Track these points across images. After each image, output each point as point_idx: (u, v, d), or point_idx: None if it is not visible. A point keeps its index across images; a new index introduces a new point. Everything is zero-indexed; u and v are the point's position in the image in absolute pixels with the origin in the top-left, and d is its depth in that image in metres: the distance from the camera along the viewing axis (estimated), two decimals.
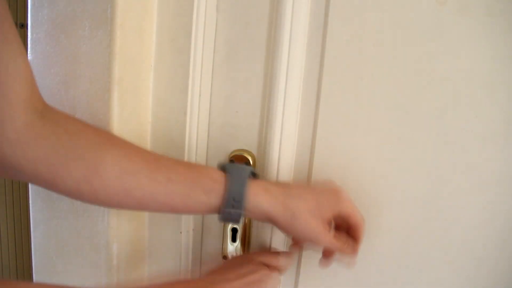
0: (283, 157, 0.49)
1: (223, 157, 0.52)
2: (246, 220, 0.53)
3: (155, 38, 0.51)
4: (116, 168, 0.38)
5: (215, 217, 0.55)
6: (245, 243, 0.53)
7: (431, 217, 0.47)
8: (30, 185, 0.52)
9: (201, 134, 0.52)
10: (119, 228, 0.51)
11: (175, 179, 0.39)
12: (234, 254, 0.54)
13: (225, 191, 0.40)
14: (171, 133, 0.53)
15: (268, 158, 0.49)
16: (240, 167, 0.42)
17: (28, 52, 0.48)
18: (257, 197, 0.40)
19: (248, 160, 0.50)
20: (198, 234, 0.55)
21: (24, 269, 1.58)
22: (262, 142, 0.50)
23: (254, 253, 0.48)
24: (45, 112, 0.37)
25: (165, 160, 0.41)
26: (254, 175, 0.44)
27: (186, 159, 0.53)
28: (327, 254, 0.46)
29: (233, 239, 0.53)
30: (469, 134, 0.44)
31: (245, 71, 0.50)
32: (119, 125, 0.47)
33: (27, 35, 0.48)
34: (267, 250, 0.52)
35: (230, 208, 0.40)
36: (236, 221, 0.41)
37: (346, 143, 0.48)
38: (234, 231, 0.53)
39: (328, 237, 0.42)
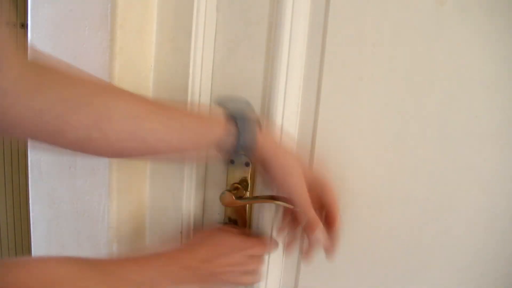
0: None
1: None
2: (247, 219, 0.53)
3: (155, 38, 0.51)
4: (128, 112, 0.37)
5: (215, 218, 0.55)
6: None
7: (431, 217, 0.47)
8: (30, 185, 0.52)
9: None
10: (119, 228, 0.51)
11: (187, 126, 0.40)
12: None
13: (235, 138, 0.41)
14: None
15: None
16: (248, 115, 0.43)
17: (28, 52, 0.48)
18: (264, 146, 0.43)
19: (248, 160, 0.50)
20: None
21: None
22: None
23: (229, 233, 0.49)
24: (43, 67, 0.35)
25: (174, 108, 0.41)
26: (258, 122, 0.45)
27: (186, 158, 0.53)
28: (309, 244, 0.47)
29: None
30: (469, 134, 0.44)
31: (245, 71, 0.50)
32: None
33: (27, 35, 0.48)
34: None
35: (239, 155, 0.43)
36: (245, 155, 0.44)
37: (346, 143, 0.48)
38: None
39: (307, 204, 0.43)
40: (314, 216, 0.44)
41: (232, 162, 0.50)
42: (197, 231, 0.49)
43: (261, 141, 0.43)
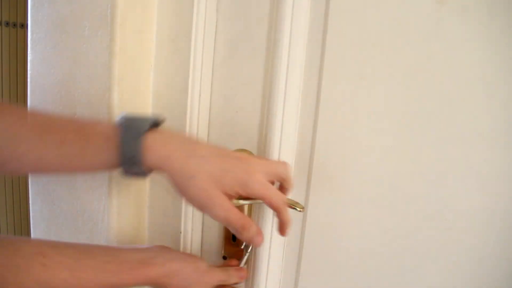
0: (283, 157, 0.49)
1: None
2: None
3: (155, 38, 0.51)
4: (6, 135, 0.36)
5: None
6: (245, 243, 0.53)
7: (431, 217, 0.47)
8: (30, 185, 0.52)
9: (201, 134, 0.52)
10: (119, 228, 0.51)
11: (67, 140, 0.37)
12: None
13: (118, 149, 0.36)
14: None
15: (268, 158, 0.49)
16: (137, 120, 0.38)
17: (28, 52, 0.48)
18: (156, 153, 0.36)
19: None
20: (198, 234, 0.55)
21: None
22: (262, 142, 0.50)
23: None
24: None
25: (59, 122, 0.38)
26: (156, 125, 0.40)
27: None
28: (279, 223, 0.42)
29: (233, 239, 0.53)
30: (469, 134, 0.44)
31: (245, 71, 0.50)
32: None
33: (27, 35, 0.48)
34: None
35: (128, 167, 0.37)
36: (142, 177, 0.39)
37: (346, 143, 0.48)
38: None
39: (224, 211, 0.37)
40: (231, 219, 0.38)
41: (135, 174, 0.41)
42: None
43: (152, 145, 0.36)
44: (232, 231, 0.40)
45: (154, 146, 0.37)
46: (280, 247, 0.53)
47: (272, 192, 0.39)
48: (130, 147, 0.36)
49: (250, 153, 0.51)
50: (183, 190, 0.37)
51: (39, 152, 0.37)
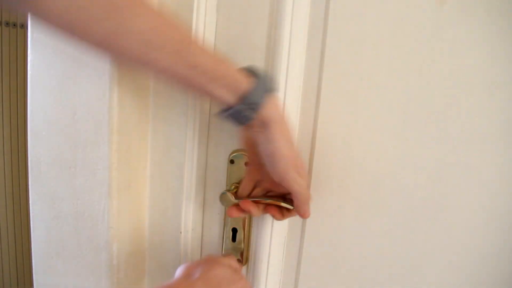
0: None
1: (223, 157, 0.52)
2: (246, 220, 0.53)
3: None
4: (140, 38, 0.37)
5: (215, 217, 0.55)
6: (245, 243, 0.53)
7: (431, 217, 0.47)
8: (30, 185, 0.52)
9: (201, 134, 0.52)
10: (119, 228, 0.51)
11: (200, 67, 0.39)
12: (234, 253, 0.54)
13: (247, 92, 0.40)
14: (171, 132, 0.53)
15: None
16: (267, 77, 0.43)
17: (28, 52, 0.48)
18: (270, 108, 0.41)
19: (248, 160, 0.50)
20: (198, 234, 0.55)
21: (24, 269, 1.59)
22: None
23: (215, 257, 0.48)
24: None
25: (198, 43, 0.40)
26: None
27: (186, 159, 0.53)
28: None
29: (233, 239, 0.53)
30: (469, 134, 0.44)
31: None
32: (119, 125, 0.47)
33: (27, 35, 0.48)
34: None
35: (244, 108, 0.41)
36: (241, 122, 0.42)
37: (346, 143, 0.48)
38: (234, 231, 0.53)
39: (304, 188, 0.43)
40: (307, 208, 0.44)
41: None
42: (195, 262, 0.48)
43: (270, 103, 0.41)
44: (297, 195, 0.44)
45: (271, 101, 0.42)
46: (280, 247, 0.53)
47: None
48: (256, 94, 0.40)
49: None
50: (278, 140, 0.42)
51: (170, 66, 0.38)
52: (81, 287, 0.53)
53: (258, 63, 0.49)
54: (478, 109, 0.44)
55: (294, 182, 0.43)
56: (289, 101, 0.48)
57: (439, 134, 0.45)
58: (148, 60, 0.38)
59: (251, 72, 0.43)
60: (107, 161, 0.48)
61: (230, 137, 0.52)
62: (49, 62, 0.47)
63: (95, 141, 0.47)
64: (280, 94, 0.48)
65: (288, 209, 0.46)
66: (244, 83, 0.40)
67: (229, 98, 0.41)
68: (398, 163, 0.47)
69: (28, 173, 0.52)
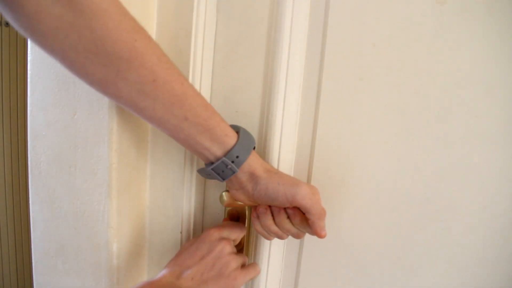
0: (283, 157, 0.49)
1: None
2: (246, 220, 0.53)
3: (155, 38, 0.51)
4: (135, 88, 0.38)
5: (215, 218, 0.55)
6: (245, 243, 0.53)
7: (431, 217, 0.47)
8: (30, 185, 0.52)
9: None
10: (119, 228, 0.51)
11: (190, 120, 0.40)
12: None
13: (234, 145, 0.42)
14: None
15: (268, 158, 0.49)
16: (249, 134, 0.45)
17: (28, 52, 0.48)
18: (252, 160, 0.44)
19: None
20: (198, 234, 0.55)
21: (24, 269, 1.58)
22: (262, 142, 0.50)
23: (209, 230, 0.49)
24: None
25: (193, 97, 0.41)
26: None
27: (185, 159, 0.53)
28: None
29: None
30: (469, 134, 0.44)
31: (245, 71, 0.50)
32: (119, 125, 0.47)
33: None
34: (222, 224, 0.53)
35: (233, 157, 0.42)
36: (225, 176, 0.44)
37: (346, 143, 0.48)
38: None
39: (311, 196, 0.44)
40: (322, 225, 0.45)
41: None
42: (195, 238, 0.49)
43: (252, 156, 0.44)
44: (312, 216, 0.44)
45: (254, 155, 0.44)
46: (280, 247, 0.53)
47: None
48: (243, 150, 0.43)
49: None
50: (270, 181, 0.44)
51: (160, 115, 0.40)
52: (81, 287, 0.53)
53: (258, 63, 0.49)
54: (478, 109, 0.44)
55: (307, 199, 0.43)
56: (289, 101, 0.48)
57: (439, 134, 0.45)
58: (141, 108, 0.39)
59: (235, 128, 0.45)
60: (107, 161, 0.48)
61: None
62: (49, 62, 0.47)
63: (95, 141, 0.47)
64: (280, 94, 0.48)
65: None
66: (231, 138, 0.43)
67: (216, 151, 0.42)
68: (398, 163, 0.47)
69: (28, 173, 0.52)
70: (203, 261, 0.45)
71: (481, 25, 0.42)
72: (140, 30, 0.38)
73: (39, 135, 0.50)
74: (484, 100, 0.43)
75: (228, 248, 0.47)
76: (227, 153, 0.42)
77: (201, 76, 0.50)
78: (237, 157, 0.42)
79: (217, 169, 0.43)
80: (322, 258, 0.52)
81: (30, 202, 0.53)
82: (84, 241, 0.51)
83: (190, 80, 0.50)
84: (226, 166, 0.43)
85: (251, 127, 0.51)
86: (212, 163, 0.44)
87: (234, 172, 0.43)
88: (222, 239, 0.47)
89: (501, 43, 0.42)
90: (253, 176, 0.44)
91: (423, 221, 0.47)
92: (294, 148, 0.50)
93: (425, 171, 0.46)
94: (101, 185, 0.49)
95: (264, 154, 0.50)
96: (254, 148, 0.46)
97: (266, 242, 0.52)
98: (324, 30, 0.46)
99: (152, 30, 0.50)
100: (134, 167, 0.52)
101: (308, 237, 0.52)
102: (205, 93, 0.51)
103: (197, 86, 0.50)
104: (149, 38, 0.38)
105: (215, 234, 0.48)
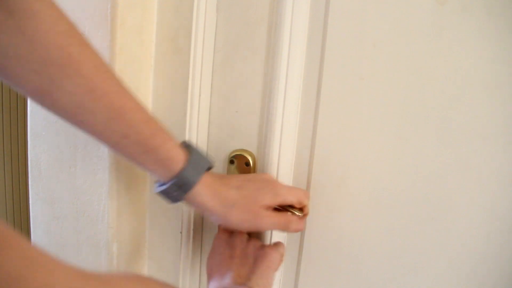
0: (283, 157, 0.49)
1: (223, 157, 0.52)
2: None
3: (155, 38, 0.51)
4: (72, 99, 0.35)
5: None
6: None
7: (431, 217, 0.47)
8: (30, 185, 0.52)
9: (201, 134, 0.52)
10: (119, 228, 0.51)
11: (131, 137, 0.38)
12: None
13: (177, 174, 0.39)
14: (171, 133, 0.53)
15: (268, 158, 0.49)
16: (203, 158, 0.42)
17: None
18: (202, 189, 0.41)
19: (248, 160, 0.50)
20: (198, 234, 0.55)
21: None
22: (262, 142, 0.50)
23: (217, 234, 0.48)
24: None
25: (133, 112, 0.38)
26: (209, 168, 0.44)
27: None
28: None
29: None
30: (469, 134, 0.44)
31: (245, 71, 0.50)
32: None
33: None
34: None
35: (174, 189, 0.40)
36: (172, 202, 0.42)
37: (346, 143, 0.48)
38: None
39: (266, 220, 0.42)
40: (275, 225, 0.44)
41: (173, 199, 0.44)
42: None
43: (202, 183, 0.41)
44: (280, 230, 0.45)
45: (203, 185, 0.41)
46: None
47: (296, 193, 0.45)
48: (189, 179, 0.40)
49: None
50: (228, 217, 0.42)
51: (100, 128, 0.37)
52: None
53: (258, 63, 0.49)
54: (478, 109, 0.44)
55: (268, 225, 0.43)
56: (289, 101, 0.48)
57: (439, 133, 0.45)
58: (81, 122, 0.37)
59: (186, 148, 0.42)
60: (107, 161, 0.48)
61: (230, 137, 0.52)
62: None
63: (95, 141, 0.47)
64: (280, 94, 0.48)
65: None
66: (177, 162, 0.40)
67: (161, 175, 0.40)
68: (398, 163, 0.47)
69: (28, 173, 0.52)
70: (234, 259, 0.43)
71: (481, 25, 0.42)
72: (75, 35, 0.35)
73: (39, 135, 0.50)
74: (484, 100, 0.43)
75: (244, 236, 0.46)
76: (171, 180, 0.40)
77: (201, 76, 0.50)
78: (182, 186, 0.39)
79: (163, 194, 0.41)
80: (322, 258, 0.52)
81: (30, 202, 0.53)
82: (84, 241, 0.51)
83: (190, 80, 0.50)
84: (169, 193, 0.40)
85: (251, 127, 0.51)
86: (160, 185, 0.41)
87: (180, 200, 0.41)
88: (233, 233, 0.46)
89: (501, 43, 0.42)
90: (204, 209, 0.41)
91: (423, 221, 0.47)
92: (294, 148, 0.50)
93: (425, 171, 0.46)
94: (101, 185, 0.49)
95: (263, 155, 0.50)
96: (210, 168, 0.44)
97: (266, 242, 0.52)
98: (324, 30, 0.46)
99: (152, 30, 0.50)
100: (134, 167, 0.52)
101: (308, 237, 0.52)
102: (205, 93, 0.52)
103: (197, 86, 0.50)
104: (86, 44, 0.36)
105: (224, 235, 0.47)
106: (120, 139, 0.38)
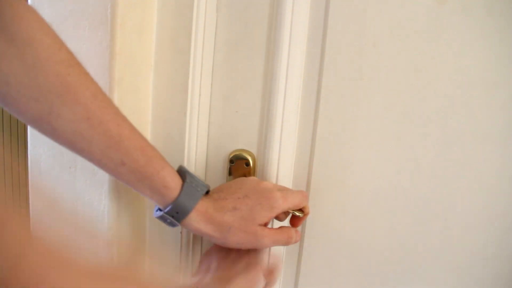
0: (283, 157, 0.49)
1: (223, 157, 0.52)
2: None
3: (155, 38, 0.51)
4: (70, 127, 0.36)
5: None
6: None
7: (431, 217, 0.47)
8: (30, 186, 0.52)
9: (201, 134, 0.52)
10: (119, 228, 0.51)
11: (128, 165, 0.38)
12: None
13: (172, 202, 0.40)
14: (171, 133, 0.53)
15: (268, 158, 0.49)
16: (198, 185, 0.42)
17: None
18: (197, 216, 0.41)
19: (248, 160, 0.50)
20: None
21: None
22: (262, 142, 0.50)
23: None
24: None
25: (129, 140, 0.39)
26: (206, 193, 0.44)
27: (186, 159, 0.53)
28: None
29: None
30: (469, 134, 0.44)
31: (245, 71, 0.50)
32: None
33: None
34: None
35: (169, 216, 0.41)
36: (169, 225, 0.43)
37: (346, 143, 0.48)
38: None
39: (265, 239, 0.43)
40: (275, 242, 0.44)
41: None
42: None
43: (198, 210, 0.41)
44: (280, 245, 0.45)
45: (199, 211, 0.41)
46: (280, 247, 0.53)
47: (291, 202, 0.45)
48: (183, 207, 0.40)
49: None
50: (225, 241, 0.42)
51: (98, 158, 0.38)
52: None
53: (258, 63, 0.49)
54: (478, 109, 0.44)
55: (268, 244, 0.43)
56: (289, 101, 0.48)
57: (439, 134, 0.45)
58: (79, 149, 0.38)
59: (182, 174, 0.42)
60: None
61: (230, 137, 0.52)
62: None
63: None
64: (280, 94, 0.48)
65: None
66: (172, 190, 0.40)
67: (157, 201, 0.41)
68: (398, 163, 0.47)
69: (28, 173, 0.52)
70: (226, 261, 0.44)
71: (481, 25, 0.42)
72: (75, 65, 0.36)
73: (39, 135, 0.50)
74: (484, 100, 0.43)
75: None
76: (166, 207, 0.41)
77: (201, 76, 0.50)
78: (177, 213, 0.40)
79: (161, 219, 0.42)
80: (322, 258, 0.52)
81: (30, 202, 0.53)
82: (84, 241, 0.51)
83: (190, 80, 0.50)
84: (165, 220, 0.41)
85: (251, 127, 0.51)
86: (157, 210, 0.43)
87: (175, 226, 0.42)
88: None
89: (501, 43, 0.42)
90: (201, 234, 0.42)
91: (423, 221, 0.47)
92: (294, 148, 0.50)
93: (425, 171, 0.46)
94: (101, 185, 0.49)
95: (263, 155, 0.50)
96: (207, 192, 0.44)
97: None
98: (324, 30, 0.46)
99: (152, 30, 0.50)
100: None
101: (308, 237, 0.52)
102: (205, 93, 0.51)
103: (197, 86, 0.50)
104: (85, 73, 0.37)
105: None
106: (117, 167, 0.38)
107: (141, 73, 0.51)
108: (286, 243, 0.45)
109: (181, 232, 0.55)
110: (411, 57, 0.44)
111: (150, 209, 0.56)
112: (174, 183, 0.41)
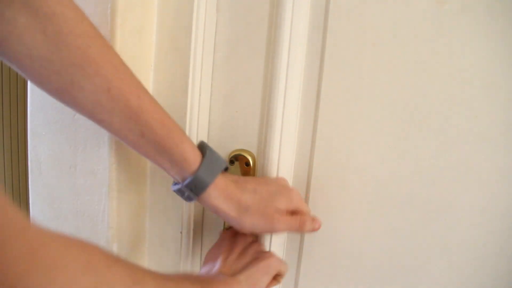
0: (283, 157, 0.49)
1: (223, 156, 0.52)
2: None
3: (155, 38, 0.51)
4: (91, 98, 0.37)
5: (215, 218, 0.55)
6: None
7: (431, 217, 0.47)
8: (30, 186, 0.52)
9: (201, 134, 0.52)
10: (119, 228, 0.51)
11: (147, 137, 0.39)
12: None
13: (191, 175, 0.40)
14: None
15: (268, 158, 0.49)
16: (217, 160, 0.42)
17: None
18: (215, 192, 0.41)
19: (248, 160, 0.50)
20: (198, 234, 0.56)
21: None
22: (262, 142, 0.50)
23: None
24: None
25: (149, 113, 0.39)
26: (225, 169, 0.44)
27: None
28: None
29: None
30: (469, 134, 0.44)
31: (245, 71, 0.50)
32: None
33: None
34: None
35: (188, 189, 0.41)
36: (186, 199, 0.43)
37: (346, 143, 0.48)
38: None
39: (281, 224, 0.43)
40: (290, 226, 0.44)
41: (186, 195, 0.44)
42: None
43: (217, 185, 0.41)
44: (294, 232, 0.46)
45: (218, 187, 0.41)
46: (280, 247, 0.53)
47: (307, 207, 0.47)
48: (202, 181, 0.40)
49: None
50: (241, 221, 0.42)
51: (118, 128, 0.38)
52: None
53: (258, 63, 0.49)
54: (478, 109, 0.44)
55: (282, 228, 0.43)
56: (289, 101, 0.48)
57: (439, 133, 0.45)
58: (100, 120, 0.38)
59: (202, 148, 0.42)
60: (107, 161, 0.48)
61: (230, 137, 0.52)
62: None
63: (95, 141, 0.47)
64: (280, 94, 0.48)
65: None
66: (191, 163, 0.40)
67: (175, 175, 0.41)
68: (398, 163, 0.47)
69: (28, 173, 0.52)
70: (232, 254, 0.43)
71: (481, 25, 0.42)
72: (95, 36, 0.37)
73: (39, 135, 0.50)
74: (484, 100, 0.43)
75: (249, 237, 0.46)
76: (185, 180, 0.41)
77: (201, 76, 0.50)
78: (195, 187, 0.40)
79: (178, 192, 0.42)
80: (322, 258, 0.52)
81: (30, 202, 0.53)
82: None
83: (190, 80, 0.50)
84: (183, 193, 0.41)
85: (251, 127, 0.51)
86: (175, 184, 0.42)
87: (193, 200, 0.42)
88: (237, 233, 0.47)
89: (501, 43, 0.42)
90: (217, 211, 0.42)
91: (423, 221, 0.47)
92: (294, 148, 0.50)
93: (425, 171, 0.46)
94: (101, 185, 0.49)
95: (263, 155, 0.50)
96: (227, 169, 0.44)
97: (267, 242, 0.52)
98: (324, 30, 0.46)
99: (152, 30, 0.50)
100: (134, 167, 0.52)
101: (308, 237, 0.52)
102: (205, 93, 0.52)
103: (197, 86, 0.50)
104: (106, 45, 0.37)
105: (228, 234, 0.47)
106: (136, 138, 0.39)
107: (141, 73, 0.51)
108: (301, 228, 0.44)
109: (181, 232, 0.55)
110: (411, 57, 0.44)
111: (150, 208, 0.57)
112: (193, 157, 0.41)
